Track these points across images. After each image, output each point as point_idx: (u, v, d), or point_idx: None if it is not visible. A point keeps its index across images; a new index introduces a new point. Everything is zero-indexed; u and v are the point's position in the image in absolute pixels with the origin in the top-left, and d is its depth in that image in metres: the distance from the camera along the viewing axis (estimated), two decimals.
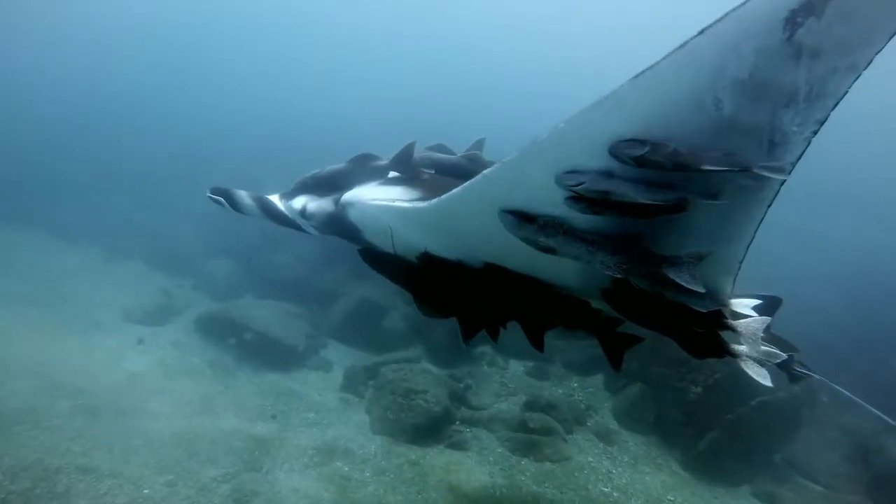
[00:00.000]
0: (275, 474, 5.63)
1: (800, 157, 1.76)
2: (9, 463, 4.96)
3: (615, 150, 1.87)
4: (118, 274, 10.49)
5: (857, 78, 1.61)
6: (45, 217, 12.26)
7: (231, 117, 22.34)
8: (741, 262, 2.08)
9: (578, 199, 2.00)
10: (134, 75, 27.27)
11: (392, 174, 3.19)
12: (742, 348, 2.18)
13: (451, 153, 3.50)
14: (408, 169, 3.15)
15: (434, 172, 3.28)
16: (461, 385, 7.84)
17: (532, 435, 6.95)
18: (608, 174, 1.94)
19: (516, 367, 8.80)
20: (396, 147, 3.19)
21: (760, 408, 6.91)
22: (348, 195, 3.09)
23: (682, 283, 1.99)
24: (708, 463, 6.95)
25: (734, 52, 1.64)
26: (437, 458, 6.37)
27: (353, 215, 3.04)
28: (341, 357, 8.61)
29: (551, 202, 2.11)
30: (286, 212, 3.46)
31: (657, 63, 1.70)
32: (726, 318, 2.25)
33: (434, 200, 2.41)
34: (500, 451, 6.73)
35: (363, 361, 8.30)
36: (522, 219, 2.21)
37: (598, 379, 8.73)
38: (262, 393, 7.15)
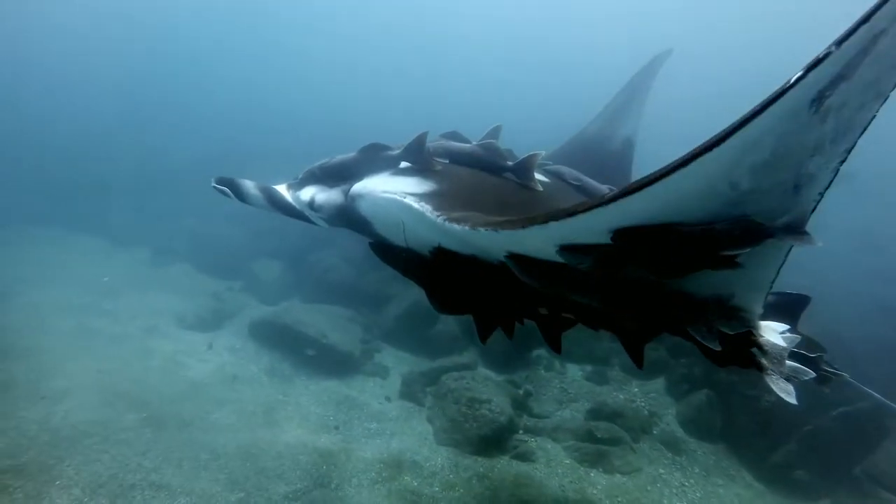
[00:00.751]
0: (344, 490, 5.50)
1: (828, 187, 1.67)
2: (86, 479, 4.92)
3: (617, 238, 1.86)
4: (167, 277, 10.50)
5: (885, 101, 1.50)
6: (89, 220, 12.37)
7: (262, 114, 22.36)
8: (772, 283, 2.02)
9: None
10: (158, 75, 27.47)
11: (404, 164, 3.05)
12: (767, 363, 2.15)
13: (467, 141, 3.39)
14: (420, 159, 3.00)
15: (448, 162, 3.15)
16: (521, 391, 7.65)
17: (599, 445, 6.72)
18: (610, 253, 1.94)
19: (574, 371, 8.58)
20: (408, 138, 3.05)
21: (842, 419, 6.59)
22: (358, 186, 2.99)
23: (700, 341, 2.03)
24: (784, 475, 6.65)
25: (754, 148, 1.56)
26: (505, 470, 6.19)
27: (363, 207, 2.95)
28: (396, 362, 8.47)
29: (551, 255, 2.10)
30: (294, 203, 3.36)
31: (667, 174, 1.60)
32: (755, 337, 2.21)
33: (444, 218, 2.35)
34: (567, 462, 6.52)
35: (419, 367, 8.15)
36: (526, 264, 2.26)
37: (659, 383, 8.46)
38: (322, 402, 7.03)
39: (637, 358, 2.57)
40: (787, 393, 2.04)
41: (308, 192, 3.29)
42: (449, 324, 8.99)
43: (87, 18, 31.83)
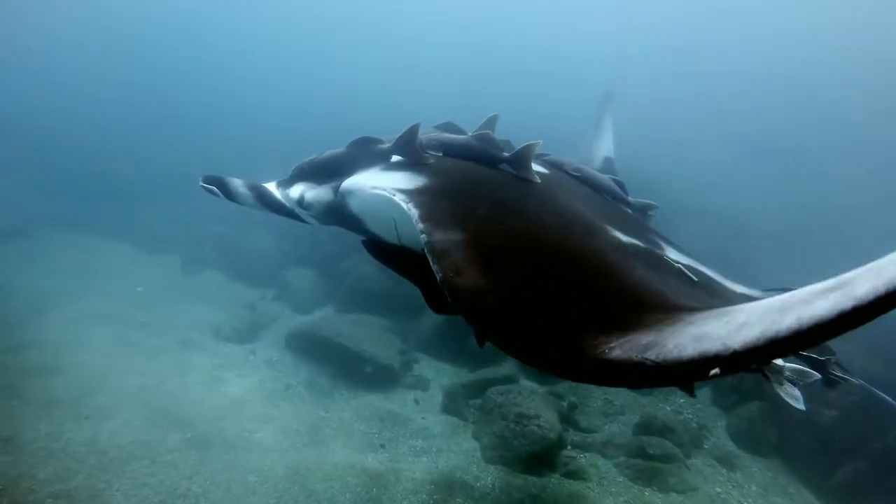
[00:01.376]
0: None
1: None
2: None
3: None
4: (198, 286, 10.42)
5: None
6: (116, 225, 12.33)
7: (277, 115, 22.25)
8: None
9: None
10: (172, 76, 27.54)
11: (395, 158, 2.95)
12: (767, 371, 2.02)
13: (462, 132, 3.27)
14: (412, 153, 2.89)
15: (441, 154, 3.04)
16: (566, 404, 7.44)
17: (652, 462, 6.49)
18: None
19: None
20: (401, 130, 2.93)
21: None
22: (348, 182, 2.89)
23: None
24: (849, 495, 6.38)
25: None
26: (557, 490, 5.99)
27: (353, 204, 2.86)
28: (435, 374, 8.30)
29: None
30: (284, 200, 3.28)
31: None
32: None
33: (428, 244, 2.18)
34: (620, 480, 6.30)
35: (459, 378, 7.98)
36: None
37: (704, 394, 8.22)
38: (365, 418, 6.88)
39: None
40: (794, 399, 1.94)
41: (297, 190, 3.20)
42: None
43: (109, 18, 32.08)
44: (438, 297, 2.74)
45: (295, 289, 10.29)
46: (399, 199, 2.42)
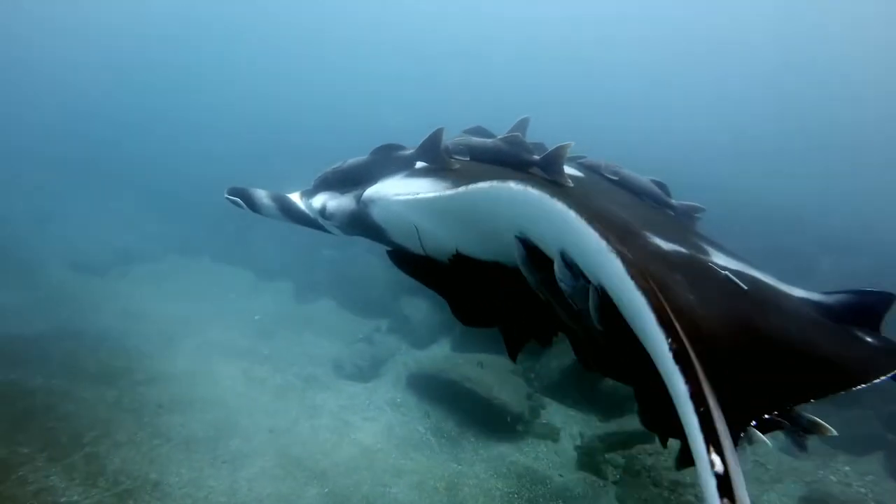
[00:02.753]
0: None
1: None
2: None
3: None
4: (314, 315, 10.38)
5: None
6: (231, 249, 12.59)
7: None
8: None
9: None
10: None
11: (419, 164, 2.83)
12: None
13: (491, 136, 3.13)
14: (436, 158, 2.76)
15: (469, 159, 2.91)
16: None
17: None
18: None
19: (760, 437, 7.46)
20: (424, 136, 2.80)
21: None
22: (370, 191, 2.79)
23: None
24: None
25: None
26: None
27: (375, 213, 2.76)
28: (565, 421, 7.74)
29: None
30: (307, 211, 3.20)
31: None
32: None
33: (461, 189, 2.03)
34: None
35: (592, 428, 7.41)
36: (534, 257, 1.96)
37: (873, 462, 7.24)
38: (501, 474, 6.42)
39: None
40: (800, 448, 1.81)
41: (320, 199, 3.14)
42: None
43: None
44: (465, 308, 2.69)
45: (410, 321, 10.03)
46: (417, 196, 2.32)
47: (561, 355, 8.53)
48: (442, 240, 2.51)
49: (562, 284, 1.82)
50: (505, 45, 38.61)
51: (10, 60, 31.59)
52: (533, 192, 1.74)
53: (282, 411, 7.00)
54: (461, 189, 2.02)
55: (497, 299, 2.60)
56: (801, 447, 1.84)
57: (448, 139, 2.95)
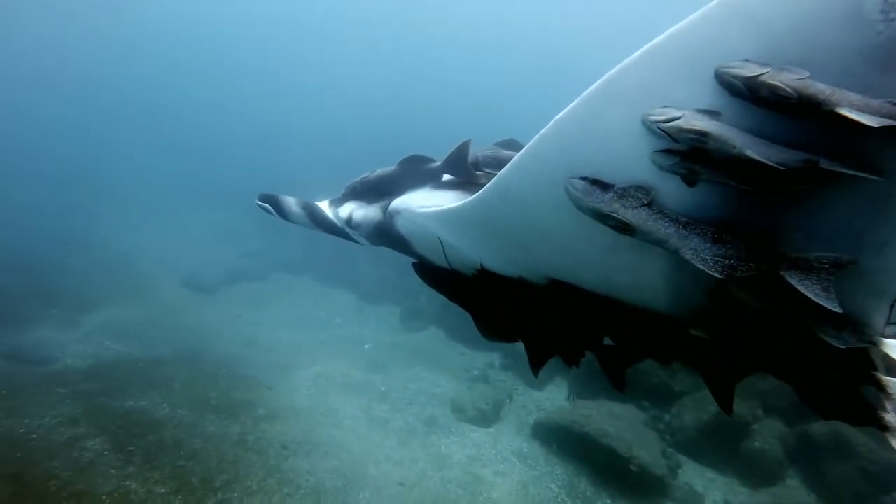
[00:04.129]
0: None
1: None
2: None
3: (724, 71, 1.32)
4: (422, 344, 10.04)
5: None
6: (337, 271, 12.46)
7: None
8: None
9: (670, 153, 1.45)
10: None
11: (446, 177, 2.78)
12: (891, 415, 1.46)
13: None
14: (463, 172, 2.71)
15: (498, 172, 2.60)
16: None
17: None
18: (712, 113, 1.37)
19: None
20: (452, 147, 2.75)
21: None
22: (396, 202, 2.76)
23: (808, 294, 1.35)
24: None
25: None
26: None
27: (400, 225, 2.72)
28: (706, 485, 7.02)
29: (634, 159, 1.51)
30: (335, 220, 3.15)
31: None
32: (875, 367, 1.54)
33: (474, 197, 1.94)
34: None
35: (737, 496, 6.65)
36: (594, 185, 1.63)
37: None
38: None
39: (725, 405, 1.93)
40: None
41: (347, 209, 3.10)
42: (767, 440, 7.35)
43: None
44: (490, 323, 2.62)
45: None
46: (441, 209, 2.26)
47: (695, 407, 7.81)
48: (466, 253, 2.45)
49: (677, 122, 1.42)
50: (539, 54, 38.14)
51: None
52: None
53: (408, 460, 6.62)
54: (478, 194, 1.92)
55: (521, 314, 2.50)
56: None
57: (480, 149, 2.91)
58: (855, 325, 1.49)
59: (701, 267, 1.45)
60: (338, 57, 38.36)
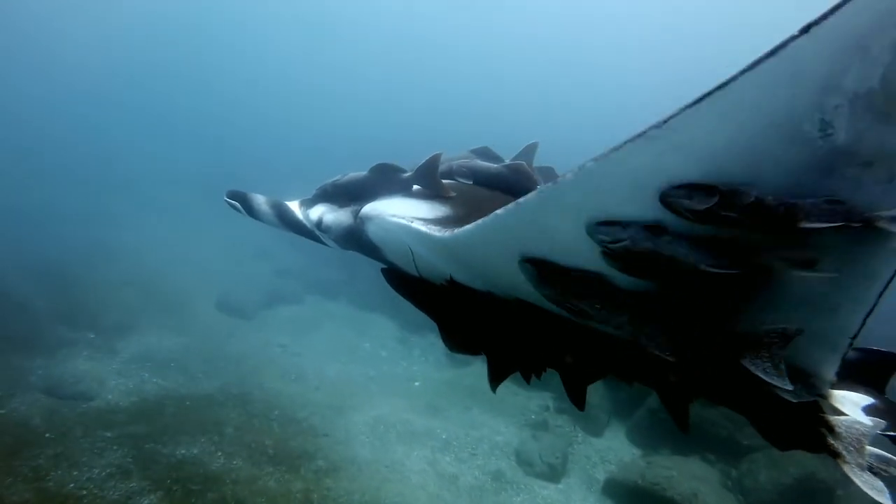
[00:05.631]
0: None
1: None
2: None
3: (669, 199, 1.40)
4: (475, 384, 9.53)
5: None
6: (374, 296, 12.01)
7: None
8: (854, 339, 1.48)
9: (615, 256, 1.56)
10: None
11: (416, 187, 2.78)
12: (842, 449, 1.59)
13: (498, 159, 3.09)
14: (432, 184, 2.68)
15: (472, 182, 2.86)
16: None
17: None
18: (657, 229, 1.48)
19: None
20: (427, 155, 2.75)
21: None
22: (368, 208, 2.76)
23: (759, 374, 1.48)
24: None
25: (859, 54, 1.12)
26: None
27: (371, 231, 2.71)
28: None
29: (582, 255, 1.67)
30: (304, 221, 3.15)
31: (736, 77, 1.19)
32: (824, 413, 1.67)
33: (448, 234, 2.03)
34: None
35: None
36: (546, 272, 1.79)
37: None
38: None
39: (681, 421, 1.98)
40: (875, 490, 1.49)
41: (317, 211, 3.10)
42: None
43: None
44: (455, 334, 2.62)
45: None
46: (418, 225, 2.28)
47: (771, 466, 7.41)
48: (436, 265, 2.47)
49: (623, 243, 1.53)
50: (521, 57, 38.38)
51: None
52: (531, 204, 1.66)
53: None
54: (450, 234, 2.00)
55: (486, 328, 2.52)
56: (878, 490, 1.54)
57: (456, 155, 2.99)
58: (807, 379, 1.62)
59: (657, 353, 1.58)
60: (352, 56, 38.24)
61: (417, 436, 7.62)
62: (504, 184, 2.84)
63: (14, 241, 12.34)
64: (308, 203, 3.22)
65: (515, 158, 3.08)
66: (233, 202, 3.24)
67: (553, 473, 7.37)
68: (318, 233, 3.15)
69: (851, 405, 1.69)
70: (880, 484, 1.57)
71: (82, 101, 28.39)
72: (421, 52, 39.47)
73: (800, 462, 7.07)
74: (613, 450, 8.18)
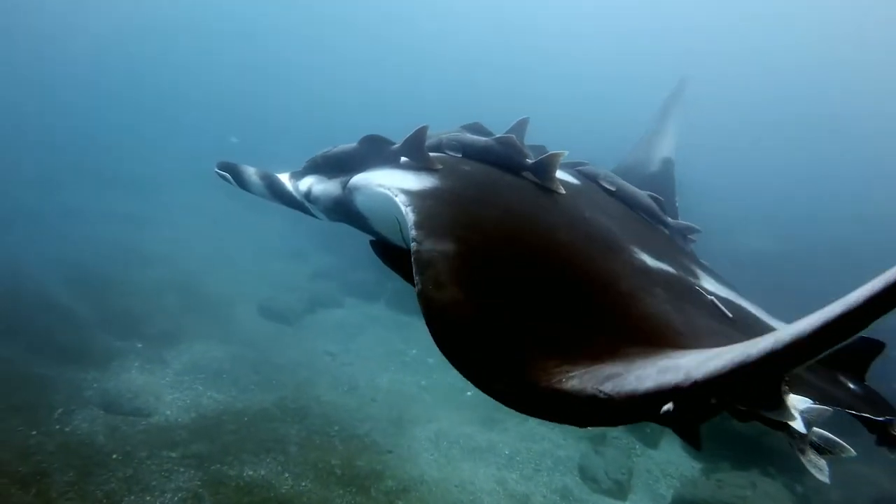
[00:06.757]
0: None
1: None
2: None
3: None
4: None
5: None
6: (403, 295, 11.89)
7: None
8: None
9: None
10: None
11: (404, 159, 2.78)
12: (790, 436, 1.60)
13: (489, 135, 3.05)
14: (419, 156, 2.71)
15: (461, 156, 2.86)
16: None
17: None
18: None
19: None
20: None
21: None
22: (356, 178, 2.80)
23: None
24: None
25: None
26: None
27: (359, 201, 2.78)
28: None
29: None
30: (294, 192, 3.20)
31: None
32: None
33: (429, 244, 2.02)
34: None
35: None
36: None
37: None
38: None
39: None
40: (818, 470, 1.56)
41: (307, 182, 3.14)
42: None
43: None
44: None
45: None
46: (400, 200, 2.29)
47: (843, 485, 7.27)
48: None
49: None
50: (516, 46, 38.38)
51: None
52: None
53: None
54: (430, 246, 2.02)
55: None
56: (819, 469, 1.61)
57: (445, 131, 2.99)
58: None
59: None
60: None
61: (481, 451, 7.52)
62: (493, 156, 2.86)
63: (48, 245, 12.26)
64: (298, 175, 3.25)
65: (507, 133, 3.05)
66: (223, 173, 3.28)
67: (619, 490, 7.27)
68: (307, 204, 3.19)
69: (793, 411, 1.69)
70: (823, 463, 1.65)
71: (97, 99, 28.22)
72: (426, 42, 39.39)
73: (875, 482, 6.96)
74: (673, 463, 8.07)
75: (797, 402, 1.73)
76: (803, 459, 1.69)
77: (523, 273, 2.08)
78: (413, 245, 2.02)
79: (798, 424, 1.65)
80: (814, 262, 12.31)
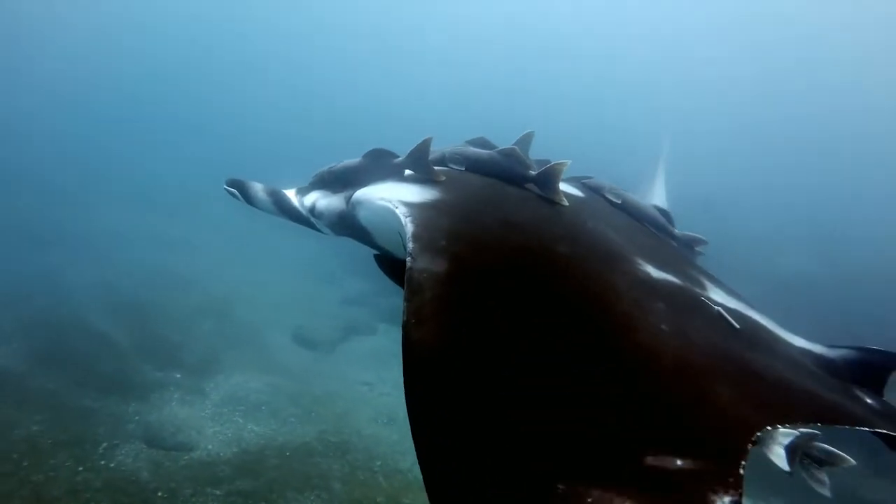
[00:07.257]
0: None
1: None
2: None
3: None
4: None
5: None
6: None
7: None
8: None
9: None
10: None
11: (408, 172, 2.81)
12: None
13: (493, 148, 3.04)
14: (423, 168, 2.73)
15: (465, 169, 2.91)
16: None
17: None
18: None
19: None
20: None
21: None
22: (359, 193, 2.80)
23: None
24: None
25: None
26: None
27: (362, 215, 2.79)
28: None
29: None
30: (300, 208, 3.21)
31: None
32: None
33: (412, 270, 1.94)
34: None
35: None
36: None
37: None
38: None
39: None
40: (819, 483, 1.65)
41: (312, 197, 3.17)
42: None
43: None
44: None
45: None
46: (401, 211, 2.25)
47: None
48: None
49: None
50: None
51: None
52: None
53: None
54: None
55: None
56: (820, 482, 1.65)
57: (449, 145, 3.01)
58: None
59: None
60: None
61: None
62: (497, 168, 2.87)
63: (85, 268, 12.41)
64: (304, 190, 3.29)
65: (512, 146, 3.06)
66: (231, 190, 3.31)
67: None
68: (312, 219, 3.21)
69: (776, 447, 1.71)
70: (824, 476, 1.69)
71: (127, 109, 28.79)
72: (437, 49, 39.85)
73: None
74: None
75: (780, 438, 1.77)
76: (804, 475, 1.74)
77: (518, 301, 1.94)
78: (408, 260, 1.96)
79: (782, 462, 1.67)
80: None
